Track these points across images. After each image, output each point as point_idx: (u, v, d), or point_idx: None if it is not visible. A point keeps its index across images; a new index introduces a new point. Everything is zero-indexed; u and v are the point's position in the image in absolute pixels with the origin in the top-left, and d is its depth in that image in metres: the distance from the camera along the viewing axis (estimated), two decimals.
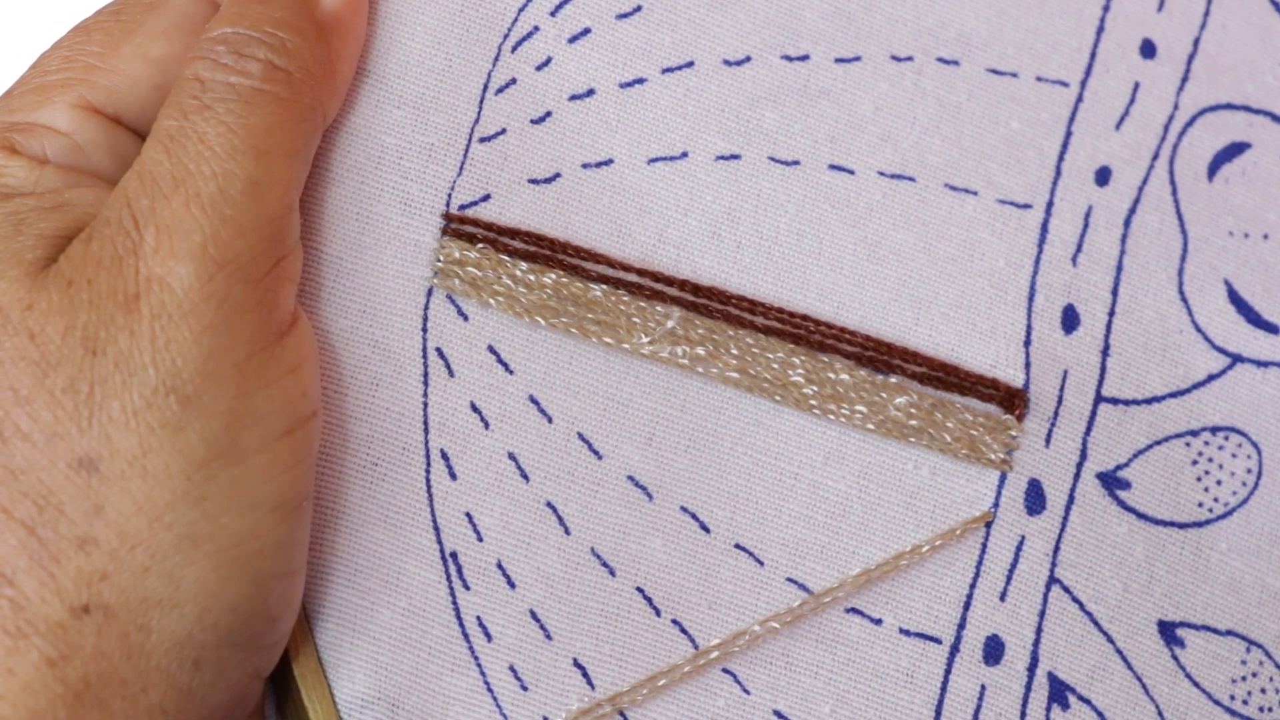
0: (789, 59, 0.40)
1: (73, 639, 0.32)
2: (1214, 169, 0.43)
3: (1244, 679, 0.41)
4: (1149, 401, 0.41)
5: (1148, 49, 0.43)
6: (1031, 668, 0.39)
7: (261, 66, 0.35)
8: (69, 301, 0.33)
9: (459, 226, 0.37)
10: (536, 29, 0.38)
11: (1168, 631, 0.41)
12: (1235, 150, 0.43)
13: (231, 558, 0.33)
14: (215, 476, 0.33)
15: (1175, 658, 0.40)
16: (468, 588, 0.36)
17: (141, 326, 0.33)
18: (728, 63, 0.39)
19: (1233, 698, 0.41)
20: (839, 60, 0.40)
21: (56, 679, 0.33)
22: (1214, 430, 0.42)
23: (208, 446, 0.33)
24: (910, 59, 0.40)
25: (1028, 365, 0.41)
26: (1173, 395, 0.42)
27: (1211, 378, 0.42)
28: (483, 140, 0.37)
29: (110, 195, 0.35)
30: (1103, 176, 0.42)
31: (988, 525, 0.40)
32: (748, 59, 0.39)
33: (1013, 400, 0.40)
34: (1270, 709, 0.41)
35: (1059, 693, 0.39)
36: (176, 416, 0.33)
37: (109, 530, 0.33)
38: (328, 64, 0.36)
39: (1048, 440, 0.41)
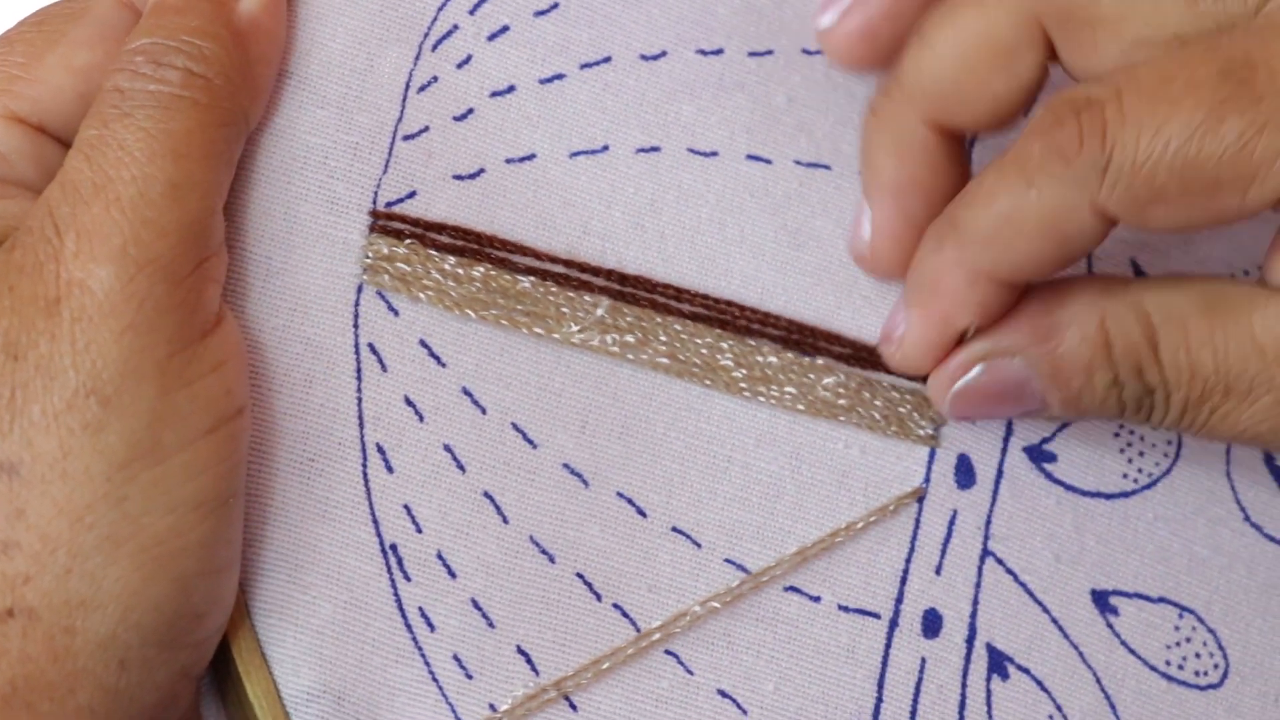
0: (704, 53, 0.42)
1: None
2: None
3: (1178, 644, 0.44)
4: None
5: None
6: (970, 639, 0.42)
7: (179, 74, 0.37)
8: None
9: (386, 223, 0.39)
10: (456, 27, 0.41)
11: (1101, 600, 0.43)
12: None
13: (153, 557, 0.35)
14: (136, 477, 0.35)
15: (1110, 625, 0.43)
16: (409, 579, 0.38)
17: (62, 330, 0.35)
18: (644, 57, 0.42)
19: (1168, 663, 0.43)
20: (752, 54, 0.43)
21: None
22: None
23: (128, 447, 0.35)
24: (820, 52, 0.43)
25: None
26: None
27: None
28: (406, 138, 0.40)
29: (35, 205, 0.37)
30: None
31: (920, 500, 0.42)
32: (664, 54, 0.42)
33: None
34: (1205, 673, 0.44)
35: (998, 663, 0.42)
36: (97, 417, 0.35)
37: (30, 534, 0.35)
38: (246, 69, 0.38)
39: None
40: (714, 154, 0.43)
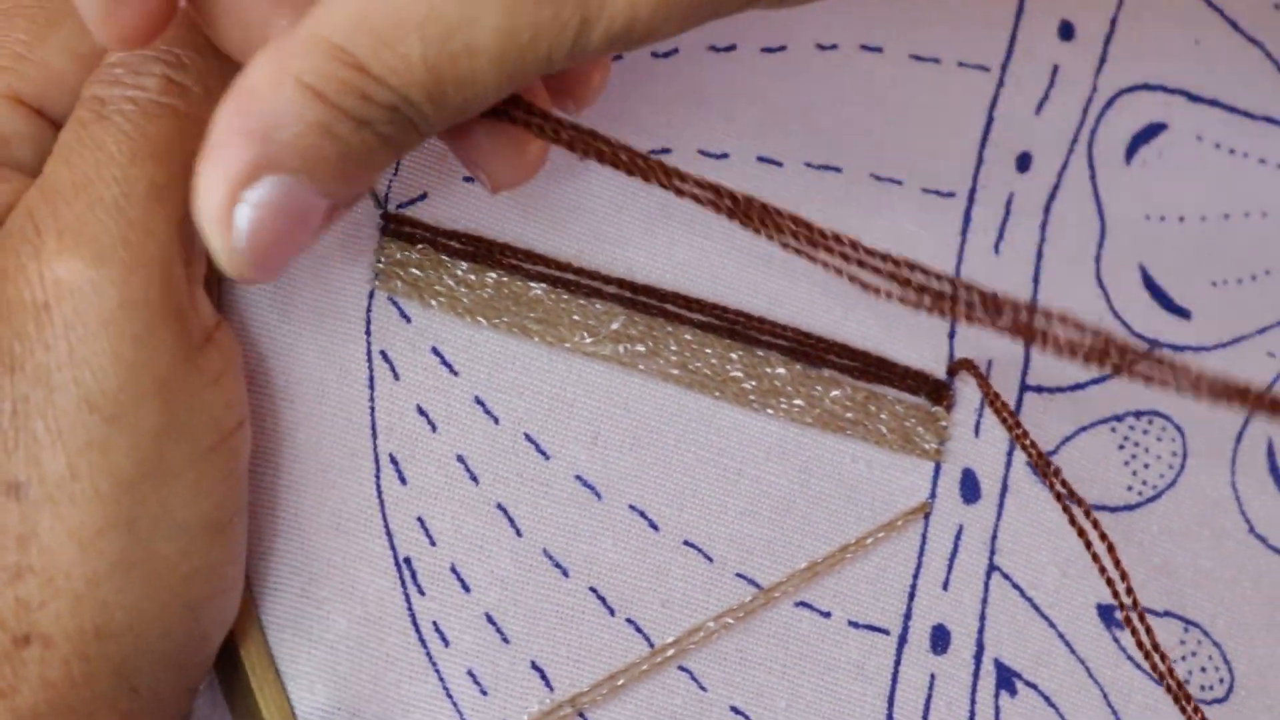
0: (716, 49, 0.47)
1: (18, 670, 0.40)
2: (1132, 151, 0.53)
3: (1184, 659, 0.51)
4: (1072, 389, 0.51)
5: (1065, 30, 0.52)
6: (978, 655, 0.48)
7: (158, 80, 0.41)
8: None
9: (398, 227, 0.44)
10: None
11: (1107, 615, 0.49)
12: (1152, 131, 0.53)
13: (165, 584, 0.40)
14: (144, 498, 0.40)
15: (1116, 640, 0.49)
16: (423, 593, 0.43)
17: (56, 338, 0.39)
18: (656, 56, 0.47)
19: None
20: (765, 50, 0.48)
21: (7, 710, 0.40)
22: (1138, 414, 0.51)
23: (135, 466, 0.39)
24: (835, 47, 0.49)
25: (950, 357, 0.49)
26: (1095, 382, 0.51)
27: None
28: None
29: (15, 209, 0.41)
30: (1023, 163, 0.51)
31: (926, 516, 0.48)
32: (675, 51, 0.47)
33: (940, 392, 0.49)
34: (1211, 687, 0.50)
35: (1006, 679, 0.48)
36: (103, 435, 0.39)
37: (42, 557, 0.39)
38: (228, 78, 0.41)
39: (976, 430, 0.50)
40: (724, 156, 0.48)
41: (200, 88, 0.41)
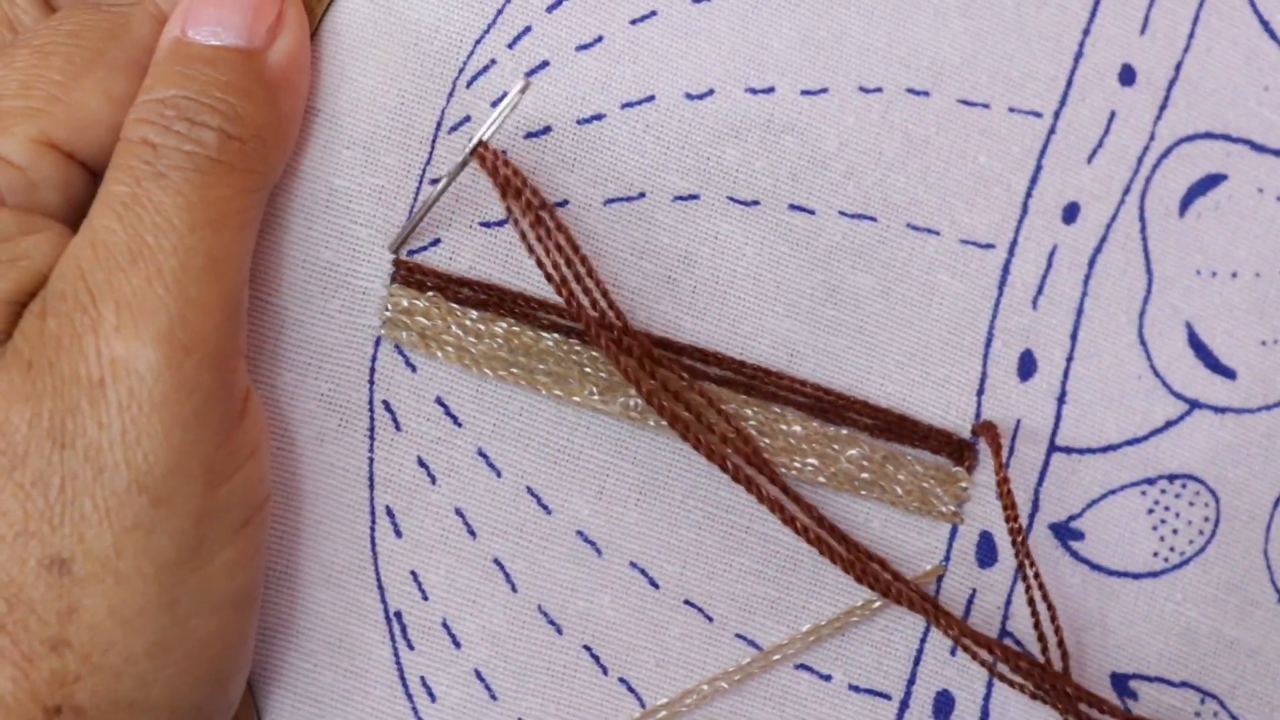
0: (754, 91, 0.46)
1: None
2: (1186, 204, 0.51)
3: None
4: (1105, 450, 0.49)
5: (1127, 75, 0.50)
6: None
7: (216, 136, 0.41)
8: (31, 386, 0.38)
9: (408, 274, 0.43)
10: (494, 62, 0.44)
11: (1120, 684, 0.49)
12: (1210, 183, 0.51)
13: (201, 660, 0.41)
14: (185, 580, 0.40)
15: (1128, 710, 0.48)
16: (412, 647, 0.43)
17: (110, 417, 0.39)
18: (690, 96, 0.45)
19: None
20: (805, 92, 0.46)
21: None
22: (1171, 478, 0.50)
23: (178, 549, 0.40)
24: (879, 90, 0.47)
25: (978, 415, 0.48)
26: (1129, 443, 0.49)
27: (1169, 424, 0.50)
28: (434, 181, 0.43)
29: (61, 261, 0.40)
30: (1070, 213, 0.49)
31: (939, 579, 0.47)
32: (711, 92, 0.46)
33: (963, 452, 0.47)
34: None
35: None
36: (149, 517, 0.39)
37: (82, 633, 0.39)
38: (278, 127, 0.41)
39: (998, 492, 0.48)
40: (755, 203, 0.47)
41: (255, 141, 0.41)
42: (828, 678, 0.48)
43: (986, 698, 0.49)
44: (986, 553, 0.49)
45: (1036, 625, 0.48)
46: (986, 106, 0.49)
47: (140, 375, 0.39)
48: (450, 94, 0.45)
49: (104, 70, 0.42)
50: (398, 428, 0.45)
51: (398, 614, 0.44)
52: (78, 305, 0.39)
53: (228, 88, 0.41)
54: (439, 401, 0.45)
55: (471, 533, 0.45)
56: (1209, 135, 0.52)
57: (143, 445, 0.39)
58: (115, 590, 0.39)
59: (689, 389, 0.46)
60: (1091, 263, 0.50)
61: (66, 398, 0.39)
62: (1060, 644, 0.48)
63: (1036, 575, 0.48)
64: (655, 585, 0.46)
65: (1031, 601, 0.48)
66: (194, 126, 0.40)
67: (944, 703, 0.49)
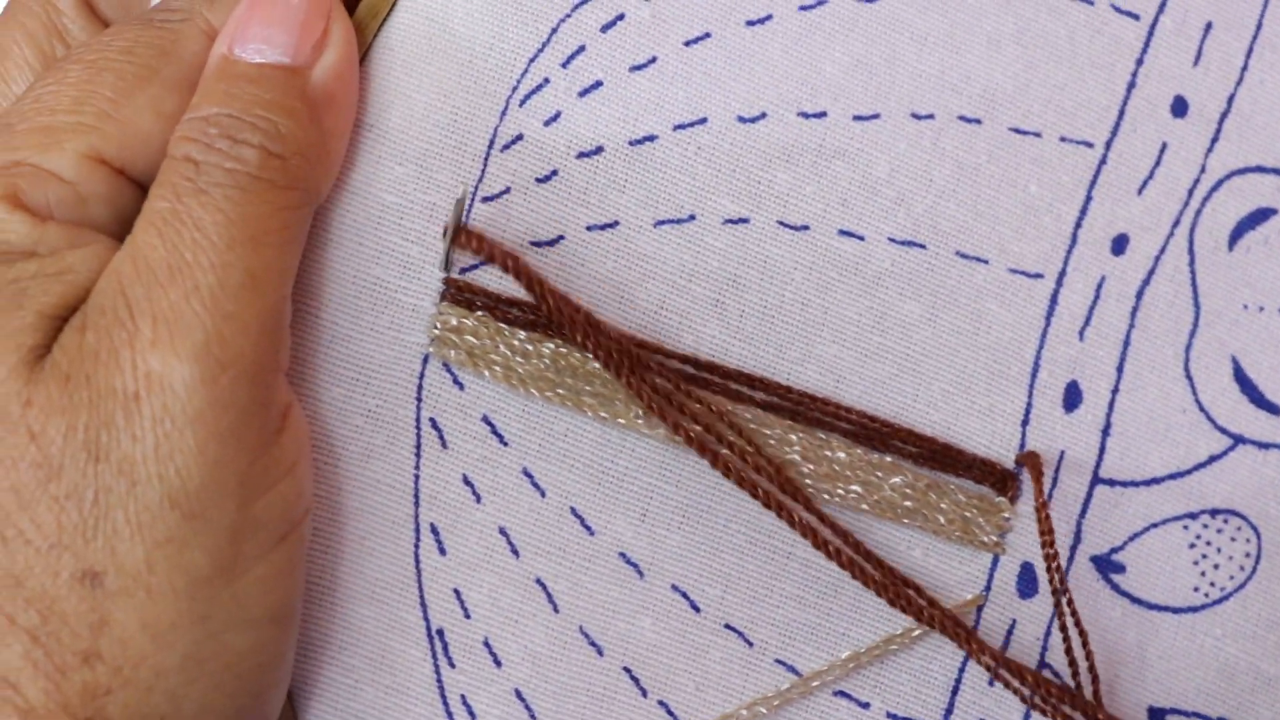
0: (806, 116, 0.46)
1: None
2: (1235, 237, 0.50)
3: None
4: (1148, 483, 0.49)
5: (1179, 107, 0.50)
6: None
7: (257, 153, 0.41)
8: (68, 399, 0.38)
9: (458, 293, 0.43)
10: (547, 81, 0.44)
11: (1157, 718, 0.48)
12: (1260, 217, 0.50)
13: (235, 675, 0.40)
14: (218, 594, 0.40)
15: None
16: (453, 666, 0.43)
17: (144, 431, 0.39)
18: (742, 119, 0.45)
19: None
20: (857, 118, 0.46)
21: None
22: (1213, 513, 0.49)
23: (211, 563, 0.40)
24: (931, 117, 0.47)
25: (1022, 445, 0.48)
26: (1172, 477, 0.49)
27: (1213, 459, 0.49)
28: (486, 200, 0.44)
29: (103, 277, 0.41)
30: (1119, 245, 0.49)
31: (979, 608, 0.46)
32: (763, 115, 0.45)
33: (1006, 482, 0.47)
34: None
35: None
36: (182, 532, 0.39)
37: (113, 646, 0.39)
38: (322, 145, 0.41)
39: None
40: (805, 228, 0.46)
41: (298, 159, 0.41)
42: (866, 705, 0.47)
43: None
44: (1027, 584, 0.49)
45: (1068, 651, 0.47)
46: (1038, 135, 0.49)
47: (175, 390, 0.39)
48: (504, 112, 0.45)
49: (156, 87, 0.42)
50: (444, 445, 0.45)
51: (440, 631, 0.44)
52: (116, 320, 0.39)
53: (270, 105, 0.41)
54: (485, 420, 0.45)
55: (515, 552, 0.45)
56: (1260, 169, 0.51)
57: (176, 460, 0.39)
58: (147, 604, 0.39)
59: (716, 417, 0.45)
60: (1139, 295, 0.50)
61: (102, 411, 0.39)
62: (1091, 669, 0.48)
63: (1070, 602, 0.48)
64: (696, 609, 0.46)
65: (1064, 628, 0.48)
66: (235, 144, 0.40)
67: None
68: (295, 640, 0.42)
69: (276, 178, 0.41)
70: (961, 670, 0.48)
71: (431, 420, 0.44)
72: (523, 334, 0.45)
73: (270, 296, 0.40)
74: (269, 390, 0.40)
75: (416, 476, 0.44)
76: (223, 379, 0.39)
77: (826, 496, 0.47)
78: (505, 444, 0.45)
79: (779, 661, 0.47)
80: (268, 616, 0.41)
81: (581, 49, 0.46)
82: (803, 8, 0.47)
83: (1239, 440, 0.51)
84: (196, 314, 0.39)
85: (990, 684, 0.48)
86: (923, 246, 0.48)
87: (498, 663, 0.45)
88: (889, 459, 0.48)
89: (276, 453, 0.41)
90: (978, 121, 0.49)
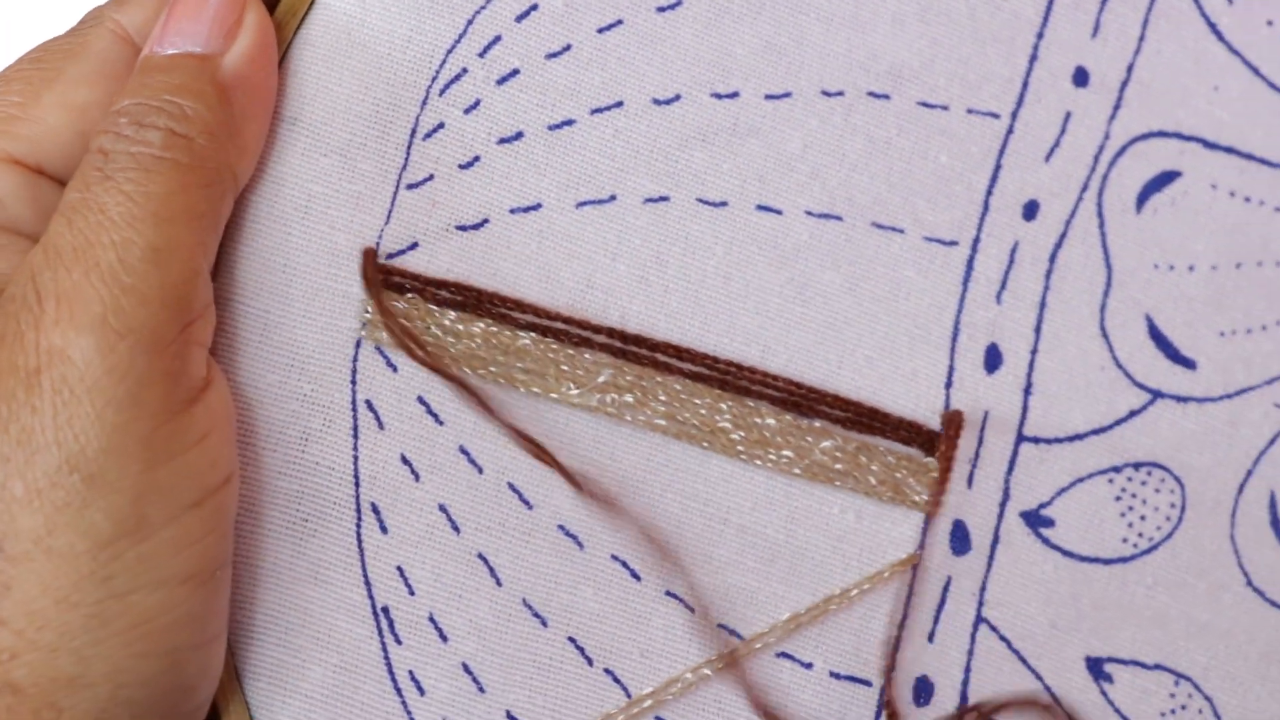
0: (719, 96, 0.47)
1: None
2: (1143, 199, 0.51)
3: (1173, 712, 0.50)
4: (1071, 439, 0.50)
5: (1080, 77, 0.51)
6: (961, 707, 0.47)
7: (161, 134, 0.42)
8: None
9: (387, 277, 0.44)
10: (465, 71, 0.45)
11: (1095, 667, 0.49)
12: (1165, 179, 0.52)
13: (142, 634, 0.40)
14: (122, 555, 0.40)
15: (1104, 693, 0.49)
16: (399, 642, 0.43)
17: (43, 402, 0.40)
18: (657, 102, 0.46)
19: None
20: (769, 97, 0.47)
21: None
22: (1136, 466, 0.50)
23: (113, 525, 0.40)
24: (841, 94, 0.48)
25: (947, 407, 0.48)
26: (1094, 432, 0.50)
27: (1133, 414, 0.50)
28: (410, 187, 0.44)
29: (17, 268, 0.42)
30: (1030, 210, 0.50)
31: (914, 567, 0.47)
32: (677, 97, 0.46)
33: (933, 443, 0.48)
34: None
35: None
36: (80, 495, 0.40)
37: (16, 610, 0.40)
38: (232, 126, 0.42)
39: (970, 481, 0.49)
40: (723, 204, 0.47)
41: (205, 138, 0.41)
42: (809, 665, 0.48)
43: (965, 682, 0.49)
44: (960, 541, 0.50)
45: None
46: (945, 108, 0.50)
47: (73, 361, 0.39)
48: (424, 101, 0.46)
49: (62, 84, 0.43)
50: (381, 426, 0.45)
51: (385, 609, 0.45)
52: (24, 304, 0.40)
53: (178, 89, 0.42)
54: (420, 400, 0.46)
55: (455, 528, 0.46)
56: (1162, 134, 0.53)
57: (74, 426, 0.39)
58: (47, 567, 0.39)
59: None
60: (1052, 258, 0.51)
61: (4, 387, 0.40)
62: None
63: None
64: (636, 578, 0.47)
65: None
66: (142, 129, 0.41)
67: (924, 688, 0.49)
68: (219, 608, 0.43)
69: (181, 156, 0.41)
70: (901, 627, 0.49)
71: (367, 402, 0.45)
72: (453, 314, 0.46)
73: (175, 270, 0.41)
74: (176, 360, 0.41)
75: (355, 458, 0.45)
76: (120, 347, 0.40)
77: (759, 461, 0.48)
78: (441, 423, 0.46)
79: (721, 626, 0.47)
80: (178, 578, 0.41)
81: (498, 39, 0.47)
82: None
83: (1157, 395, 0.52)
84: (95, 288, 0.40)
85: (930, 640, 0.49)
86: (839, 219, 0.49)
87: (444, 638, 0.45)
88: (818, 424, 0.48)
89: (186, 421, 0.41)
90: (886, 97, 0.50)
